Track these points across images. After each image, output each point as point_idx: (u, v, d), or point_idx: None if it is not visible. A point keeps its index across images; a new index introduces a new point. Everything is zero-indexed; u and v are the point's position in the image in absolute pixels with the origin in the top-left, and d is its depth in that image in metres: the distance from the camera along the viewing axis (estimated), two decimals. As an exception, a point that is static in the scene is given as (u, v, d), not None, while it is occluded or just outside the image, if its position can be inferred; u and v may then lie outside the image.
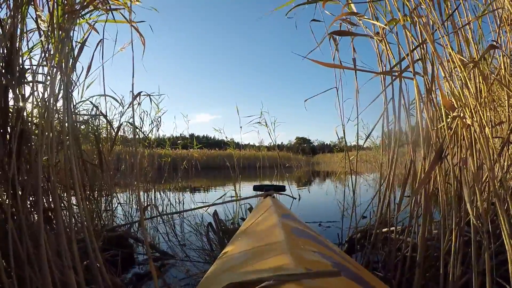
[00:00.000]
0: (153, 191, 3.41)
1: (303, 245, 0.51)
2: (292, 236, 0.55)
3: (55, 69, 0.86)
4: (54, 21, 0.91)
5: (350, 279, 0.39)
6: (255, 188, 1.89)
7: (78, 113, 1.26)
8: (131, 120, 2.92)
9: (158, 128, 3.15)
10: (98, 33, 1.12)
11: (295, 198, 1.38)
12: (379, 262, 1.19)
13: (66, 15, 0.90)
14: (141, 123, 2.88)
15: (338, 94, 1.36)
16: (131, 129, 3.11)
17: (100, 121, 1.98)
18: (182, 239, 1.65)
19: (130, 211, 2.57)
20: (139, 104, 2.78)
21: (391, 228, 1.14)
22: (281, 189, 1.85)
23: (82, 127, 1.70)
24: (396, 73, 1.05)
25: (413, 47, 0.97)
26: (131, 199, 3.08)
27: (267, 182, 5.19)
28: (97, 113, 1.64)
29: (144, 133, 3.04)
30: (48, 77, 0.88)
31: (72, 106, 1.02)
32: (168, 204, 3.05)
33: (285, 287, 0.31)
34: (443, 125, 0.82)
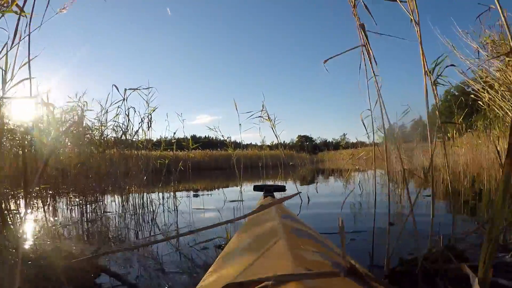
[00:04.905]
0: (144, 195, 3.14)
1: (303, 245, 0.51)
2: (292, 236, 0.54)
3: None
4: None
5: (350, 279, 0.38)
6: (255, 188, 1.87)
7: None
8: (118, 119, 2.64)
9: (149, 127, 2.86)
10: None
11: (300, 192, 1.15)
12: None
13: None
14: (127, 121, 2.60)
15: (363, 54, 0.98)
16: (120, 130, 2.82)
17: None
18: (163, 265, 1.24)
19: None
20: (124, 99, 2.51)
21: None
22: (281, 189, 1.83)
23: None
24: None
25: None
26: (121, 204, 2.81)
27: (270, 182, 4.91)
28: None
29: (132, 134, 2.75)
30: None
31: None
32: (162, 209, 2.76)
33: (285, 287, 0.30)
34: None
